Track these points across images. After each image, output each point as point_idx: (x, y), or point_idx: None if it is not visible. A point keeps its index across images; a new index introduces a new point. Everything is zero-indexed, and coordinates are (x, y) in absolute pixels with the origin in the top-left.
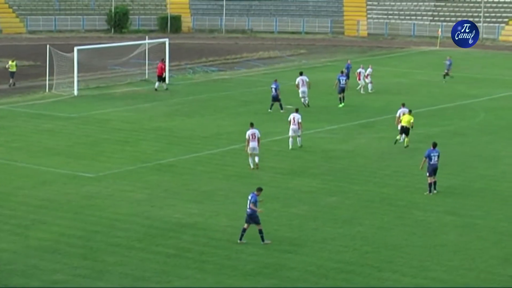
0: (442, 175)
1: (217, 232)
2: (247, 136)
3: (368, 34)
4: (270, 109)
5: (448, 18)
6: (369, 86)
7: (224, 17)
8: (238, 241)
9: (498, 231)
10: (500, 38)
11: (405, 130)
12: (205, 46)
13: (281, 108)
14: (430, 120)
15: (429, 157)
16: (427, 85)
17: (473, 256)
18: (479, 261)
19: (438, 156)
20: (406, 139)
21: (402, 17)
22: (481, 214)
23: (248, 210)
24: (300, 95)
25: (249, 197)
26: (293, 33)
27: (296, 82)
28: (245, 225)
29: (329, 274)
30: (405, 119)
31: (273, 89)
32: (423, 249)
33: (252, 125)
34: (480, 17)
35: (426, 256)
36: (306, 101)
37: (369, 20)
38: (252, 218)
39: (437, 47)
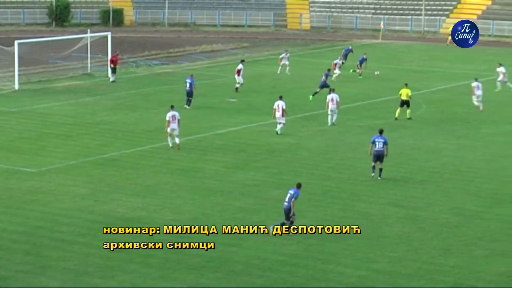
0: (384, 167)
1: (161, 226)
2: (167, 118)
3: (311, 27)
4: (186, 104)
5: (390, 11)
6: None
7: (166, 11)
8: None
9: (440, 223)
10: (441, 30)
11: (405, 103)
12: (147, 40)
13: (189, 105)
14: (373, 112)
15: (373, 143)
16: (369, 78)
17: (415, 247)
18: (422, 252)
19: (384, 143)
20: (408, 111)
21: (345, 10)
22: (423, 206)
23: (285, 204)
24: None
25: (292, 192)
26: (236, 26)
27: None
28: (285, 221)
29: (274, 267)
30: (404, 93)
31: (188, 84)
32: (367, 241)
33: (172, 107)
34: (421, 10)
35: (370, 247)
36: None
37: (311, 13)
38: (286, 213)
39: (379, 40)
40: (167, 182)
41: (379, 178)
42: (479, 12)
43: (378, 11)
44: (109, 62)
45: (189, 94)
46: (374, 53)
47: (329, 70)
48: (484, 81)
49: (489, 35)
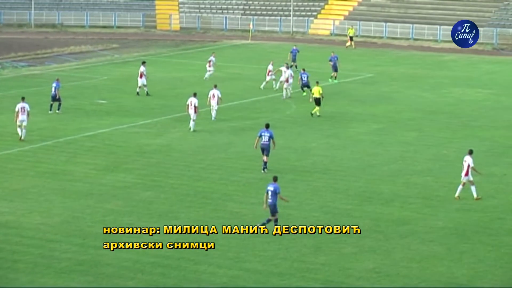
0: (255, 166)
1: (29, 230)
2: (16, 109)
3: (181, 28)
4: (50, 110)
5: (259, 12)
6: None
7: (33, 11)
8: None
9: (310, 221)
10: (310, 31)
11: (317, 101)
12: (14, 41)
13: (58, 109)
14: (243, 113)
15: (260, 136)
16: (239, 78)
17: (286, 245)
18: (293, 251)
19: (270, 137)
20: (317, 108)
21: (214, 11)
22: (294, 205)
23: (269, 200)
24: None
25: (271, 189)
26: (104, 27)
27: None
28: (271, 217)
29: (145, 268)
30: (316, 90)
31: (53, 88)
32: (238, 241)
33: (23, 99)
34: (290, 10)
35: (241, 247)
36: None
37: (181, 14)
38: (274, 209)
39: (249, 41)
40: (35, 186)
41: (262, 171)
42: (346, 13)
43: (248, 12)
44: None
45: (54, 98)
46: (244, 54)
47: (304, 69)
48: (351, 80)
49: (356, 36)
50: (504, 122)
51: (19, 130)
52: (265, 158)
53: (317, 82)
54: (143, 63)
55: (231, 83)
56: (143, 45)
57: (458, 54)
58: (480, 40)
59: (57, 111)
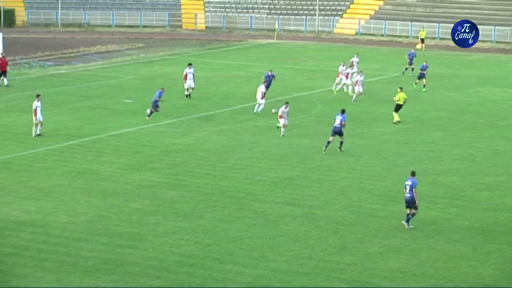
0: (280, 166)
1: (56, 229)
2: (34, 107)
3: (206, 27)
4: (149, 116)
5: (284, 11)
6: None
7: (59, 11)
8: (405, 224)
9: (336, 221)
10: (335, 30)
11: (400, 107)
12: (41, 41)
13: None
14: (268, 112)
15: (334, 120)
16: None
17: (312, 245)
18: (318, 250)
19: (342, 121)
20: (396, 114)
21: (239, 10)
22: (319, 204)
23: (407, 195)
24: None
25: (409, 183)
26: (130, 26)
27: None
28: (407, 210)
29: (171, 267)
30: (402, 97)
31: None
32: (264, 240)
33: (38, 96)
34: (315, 10)
35: (267, 247)
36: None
37: (206, 13)
38: (411, 203)
39: (274, 40)
40: (61, 185)
41: (339, 150)
42: (372, 12)
43: (273, 11)
44: None
45: (154, 105)
46: (269, 53)
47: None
48: (377, 80)
49: (382, 35)
50: None
51: (34, 128)
52: (340, 138)
53: (401, 88)
54: (189, 64)
55: (256, 83)
56: (169, 45)
57: (485, 54)
58: (507, 39)
59: (146, 118)
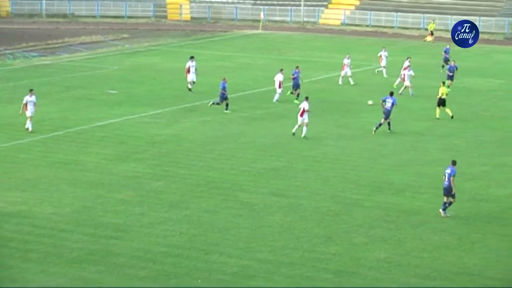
0: (266, 156)
1: (41, 220)
2: (24, 101)
3: (191, 18)
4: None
5: (270, 2)
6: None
7: (44, 1)
8: (441, 212)
9: (321, 211)
10: (320, 21)
11: (443, 101)
12: (25, 31)
13: (226, 108)
14: (254, 103)
15: (384, 101)
16: (249, 68)
17: (297, 235)
18: (303, 241)
19: (393, 104)
20: (447, 110)
21: (225, 1)
22: (305, 195)
23: (445, 183)
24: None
25: (448, 171)
26: (115, 17)
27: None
28: (445, 198)
29: (157, 258)
30: (444, 91)
31: (221, 87)
32: (249, 231)
33: (31, 91)
34: (300, 0)
35: (252, 237)
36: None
37: (192, 4)
38: (448, 191)
39: (260, 30)
40: (46, 176)
41: (388, 131)
42: (357, 3)
43: (258, 2)
44: None
45: (222, 97)
46: (254, 44)
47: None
48: (362, 70)
49: (367, 25)
50: None
51: (28, 121)
52: (387, 120)
53: (443, 83)
54: (192, 58)
55: (242, 73)
56: (154, 35)
57: (449, 44)
58: (491, 30)
59: (225, 111)
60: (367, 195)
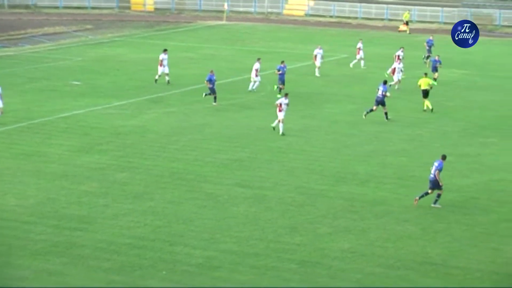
0: (230, 147)
1: (4, 212)
2: None
3: (155, 8)
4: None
5: None
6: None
7: None
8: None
9: (285, 202)
10: (284, 12)
11: (426, 92)
12: None
13: (214, 101)
14: (219, 94)
15: (377, 89)
16: (214, 59)
17: (262, 226)
18: (268, 231)
19: (383, 91)
20: (427, 102)
21: None
22: (269, 186)
23: (431, 176)
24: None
25: (436, 164)
26: (78, 8)
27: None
28: (429, 191)
29: (121, 250)
30: (425, 82)
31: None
32: (214, 222)
33: None
34: None
35: (217, 228)
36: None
37: None
38: (433, 184)
39: (224, 21)
40: (10, 167)
41: (386, 120)
42: None
43: None
44: None
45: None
46: (218, 35)
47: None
48: (327, 61)
49: (331, 16)
50: (478, 103)
51: None
52: (383, 109)
53: (425, 74)
54: (165, 50)
55: (206, 64)
56: (118, 26)
57: (432, 35)
58: (454, 20)
59: (213, 104)
60: (331, 186)
